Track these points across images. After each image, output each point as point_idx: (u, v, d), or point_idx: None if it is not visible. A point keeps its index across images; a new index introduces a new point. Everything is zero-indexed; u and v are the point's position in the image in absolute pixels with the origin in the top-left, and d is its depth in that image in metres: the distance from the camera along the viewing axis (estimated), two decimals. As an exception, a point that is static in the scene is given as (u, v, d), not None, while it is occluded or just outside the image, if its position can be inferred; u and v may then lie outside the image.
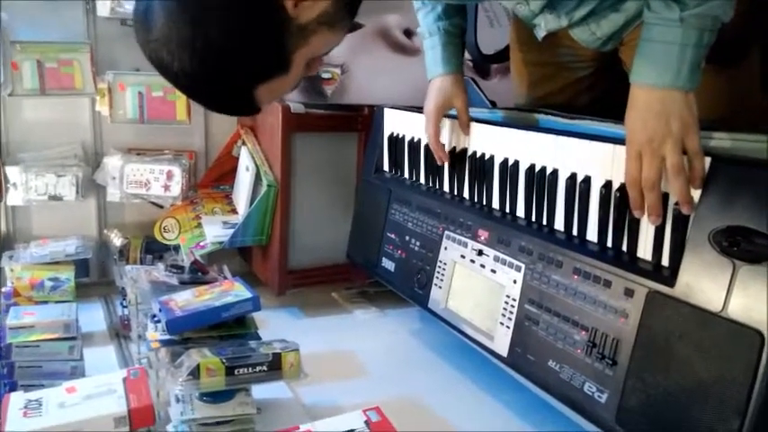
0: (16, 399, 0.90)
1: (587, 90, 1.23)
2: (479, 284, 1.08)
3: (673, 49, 0.77)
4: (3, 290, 1.34)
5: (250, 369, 0.96)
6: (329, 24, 0.74)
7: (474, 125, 1.15)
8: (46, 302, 1.30)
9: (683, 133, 0.76)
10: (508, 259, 1.02)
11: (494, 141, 1.10)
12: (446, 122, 1.21)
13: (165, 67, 0.68)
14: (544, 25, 1.06)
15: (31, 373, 1.08)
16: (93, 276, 1.62)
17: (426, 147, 1.27)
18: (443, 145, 1.18)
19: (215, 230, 1.54)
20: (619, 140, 0.85)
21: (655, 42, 0.79)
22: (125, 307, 1.35)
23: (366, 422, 0.87)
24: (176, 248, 1.57)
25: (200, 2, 0.65)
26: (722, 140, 0.81)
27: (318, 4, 0.71)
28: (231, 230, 1.51)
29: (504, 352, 1.01)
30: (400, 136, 1.36)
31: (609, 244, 0.88)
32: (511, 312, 1.00)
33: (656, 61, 0.78)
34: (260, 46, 0.69)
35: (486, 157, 1.11)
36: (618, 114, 0.85)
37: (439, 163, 1.21)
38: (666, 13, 0.77)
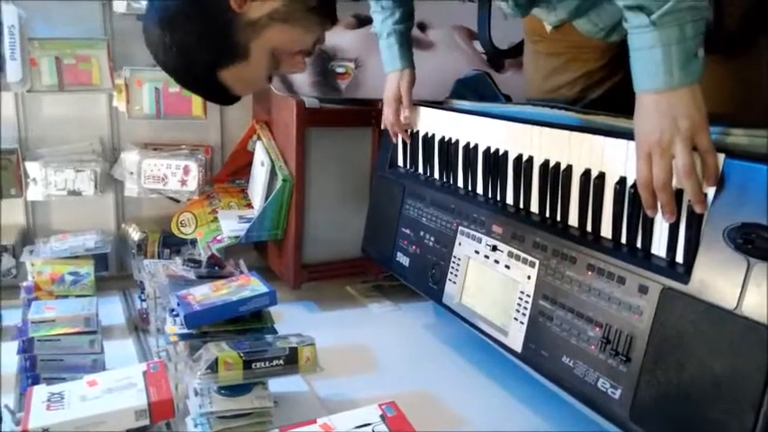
0: (39, 392, 0.93)
1: (599, 83, 1.22)
2: (493, 280, 1.09)
3: (656, 52, 0.75)
4: (24, 284, 1.36)
5: (267, 363, 0.98)
6: (282, 20, 0.88)
7: (487, 120, 1.15)
8: (66, 297, 1.33)
9: (691, 132, 0.75)
10: (522, 255, 1.03)
11: (508, 137, 1.10)
12: (458, 117, 1.23)
13: (161, 65, 0.90)
14: (546, 19, 1.06)
15: (53, 367, 1.10)
16: (111, 270, 1.65)
17: (440, 141, 1.27)
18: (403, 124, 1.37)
19: (231, 225, 1.56)
20: (633, 136, 0.84)
21: (638, 50, 0.77)
22: (143, 301, 1.37)
23: (382, 416, 0.88)
24: (193, 243, 1.59)
25: (170, 18, 0.86)
26: (736, 136, 0.80)
27: (267, 4, 0.86)
28: (247, 225, 1.52)
29: (518, 347, 1.01)
30: (414, 131, 1.36)
31: (623, 240, 0.88)
32: (525, 308, 1.01)
33: (646, 68, 0.77)
34: (211, 39, 0.86)
35: (501, 152, 1.11)
36: (630, 108, 0.84)
37: (407, 140, 1.37)
38: (637, 21, 0.76)
